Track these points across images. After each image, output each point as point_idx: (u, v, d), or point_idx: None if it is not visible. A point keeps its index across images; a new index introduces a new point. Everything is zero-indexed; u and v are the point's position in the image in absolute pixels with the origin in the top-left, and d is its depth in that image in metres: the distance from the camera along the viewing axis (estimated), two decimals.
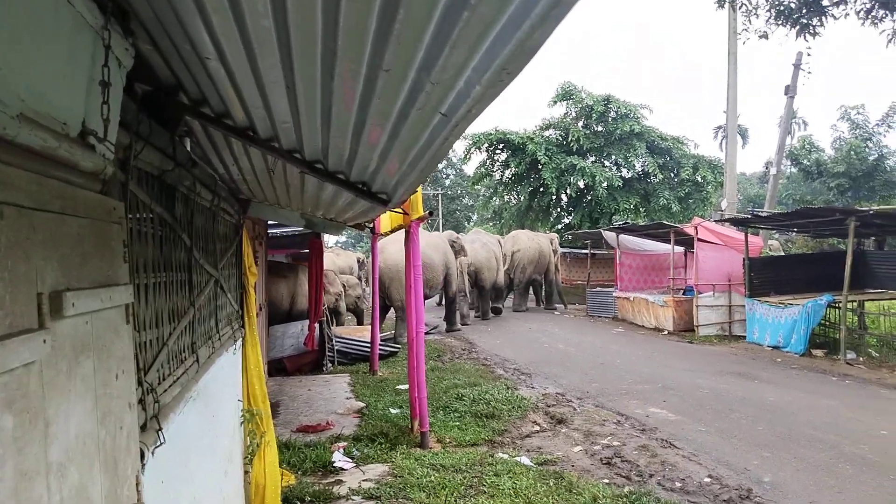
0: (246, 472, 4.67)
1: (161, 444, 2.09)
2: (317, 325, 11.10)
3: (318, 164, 2.56)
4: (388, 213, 8.51)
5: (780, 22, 11.85)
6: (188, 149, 3.12)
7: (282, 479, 5.37)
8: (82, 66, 1.50)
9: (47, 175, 1.27)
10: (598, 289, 21.54)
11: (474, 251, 18.71)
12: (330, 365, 11.37)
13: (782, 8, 11.62)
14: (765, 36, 12.38)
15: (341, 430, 7.32)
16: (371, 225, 10.07)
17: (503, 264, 19.78)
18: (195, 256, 3.15)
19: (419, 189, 6.92)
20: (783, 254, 22.04)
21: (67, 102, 1.43)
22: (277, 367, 11.04)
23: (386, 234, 10.17)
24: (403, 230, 7.71)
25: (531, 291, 22.61)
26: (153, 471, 2.05)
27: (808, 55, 12.17)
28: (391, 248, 14.58)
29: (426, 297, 16.02)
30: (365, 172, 2.49)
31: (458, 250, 17.11)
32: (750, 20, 12.53)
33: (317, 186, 3.15)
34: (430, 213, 7.53)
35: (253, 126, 2.38)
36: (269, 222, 11.73)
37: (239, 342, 4.80)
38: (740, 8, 12.79)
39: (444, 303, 18.09)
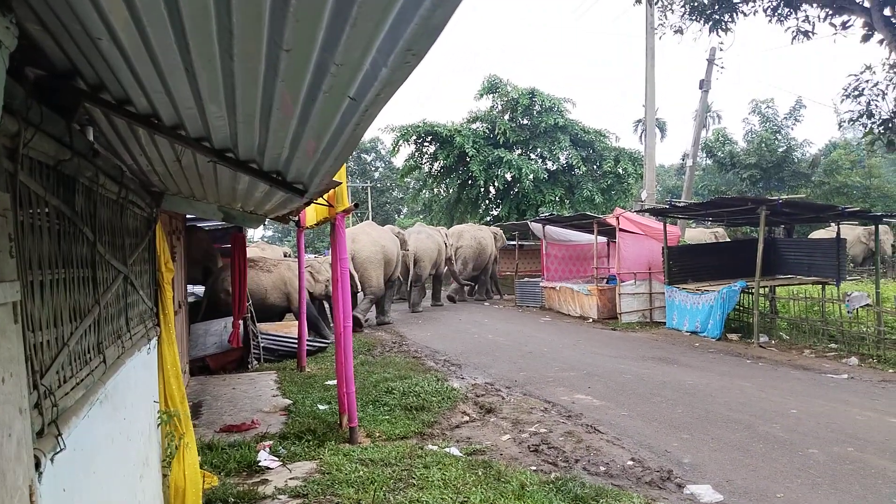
0: (164, 476, 4.49)
1: (61, 450, 1.96)
2: (241, 322, 10.80)
3: (228, 154, 2.46)
4: (313, 206, 8.36)
5: (693, 17, 12.32)
6: (91, 138, 2.95)
7: (204, 481, 5.19)
8: None
9: None
10: (526, 279, 21.87)
11: (419, 241, 19.30)
12: (256, 362, 11.10)
13: (696, 4, 12.08)
14: (679, 31, 12.85)
15: (267, 428, 7.15)
16: (296, 218, 9.88)
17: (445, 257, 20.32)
18: (99, 251, 2.98)
19: (344, 181, 6.84)
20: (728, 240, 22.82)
21: None
22: (200, 366, 10.68)
23: (311, 228, 9.98)
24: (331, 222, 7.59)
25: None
26: (53, 479, 1.92)
27: (721, 49, 12.72)
28: (363, 239, 16.05)
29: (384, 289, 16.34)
30: (278, 161, 2.40)
31: (402, 243, 17.74)
32: (666, 15, 12.99)
33: (230, 177, 3.04)
34: (357, 205, 7.43)
35: (157, 113, 2.26)
36: (188, 216, 11.36)
37: (154, 341, 4.61)
38: (656, 4, 13.22)
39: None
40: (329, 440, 6.68)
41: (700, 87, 23.05)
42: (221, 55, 1.48)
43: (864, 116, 10.42)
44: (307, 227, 10.37)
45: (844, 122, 11.19)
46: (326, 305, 14.05)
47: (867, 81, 10.40)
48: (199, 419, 7.57)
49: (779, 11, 12.35)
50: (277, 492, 5.38)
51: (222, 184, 3.45)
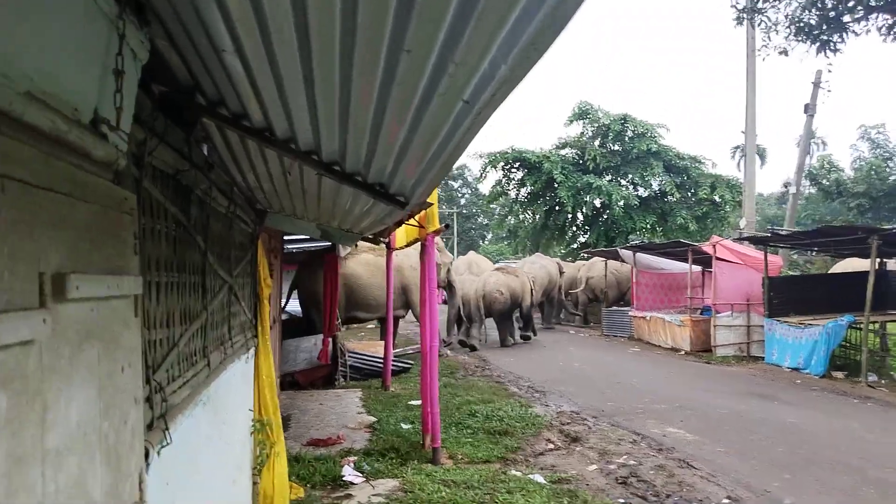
0: (254, 483, 4.62)
1: (168, 444, 2.05)
2: (330, 339, 11.06)
3: (335, 167, 2.53)
4: (403, 227, 8.51)
5: (800, 38, 11.79)
6: (205, 154, 3.12)
7: (290, 491, 5.31)
8: (96, 53, 1.49)
9: (57, 157, 1.25)
10: (614, 308, 21.32)
11: (534, 272, 20.03)
12: (342, 380, 11.31)
13: (802, 24, 11.57)
14: (784, 52, 12.32)
15: (352, 444, 7.25)
16: (387, 240, 10.08)
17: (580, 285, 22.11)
18: (209, 261, 3.13)
19: (435, 202, 6.93)
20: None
21: (79, 88, 1.41)
22: (290, 381, 10.99)
23: (401, 248, 10.14)
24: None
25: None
26: (158, 472, 2.00)
27: (829, 71, 12.05)
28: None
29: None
30: (383, 173, 2.46)
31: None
32: (769, 36, 12.50)
33: (333, 192, 3.13)
34: (447, 226, 7.49)
35: (270, 126, 2.37)
36: (285, 237, 11.81)
37: (252, 351, 4.78)
38: (759, 25, 12.75)
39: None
40: (412, 459, 6.69)
41: (805, 112, 21.96)
42: (341, 61, 1.53)
43: None
44: (397, 249, 10.57)
45: None
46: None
47: None
48: (287, 432, 7.75)
49: (895, 29, 11.65)
50: None
51: (324, 199, 3.56)
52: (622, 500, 5.70)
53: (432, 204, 6.67)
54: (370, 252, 13.61)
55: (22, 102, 1.12)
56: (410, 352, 14.32)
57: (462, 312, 16.65)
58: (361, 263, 13.17)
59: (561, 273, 22.00)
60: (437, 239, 17.02)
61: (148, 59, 1.87)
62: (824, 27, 11.82)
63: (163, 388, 2.13)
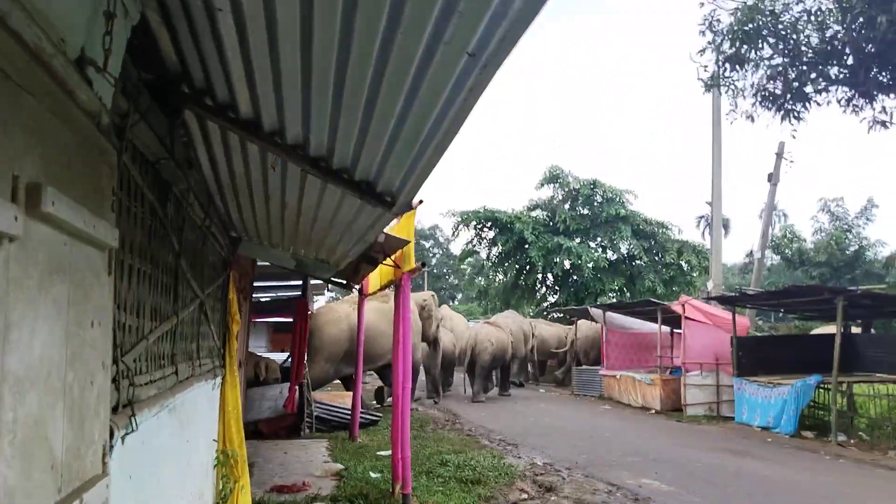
0: None
1: (133, 431, 1.91)
2: (297, 388, 10.75)
3: (321, 163, 2.48)
4: (377, 271, 8.42)
5: (765, 105, 12.30)
6: (189, 160, 3.05)
7: None
8: None
9: (42, 67, 1.18)
10: (584, 367, 21.21)
11: (510, 324, 19.86)
12: (308, 430, 10.93)
13: (767, 93, 12.09)
14: (751, 118, 12.81)
15: (318, 490, 6.93)
16: (359, 286, 9.96)
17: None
18: (182, 266, 3.03)
19: (412, 240, 6.88)
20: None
21: (69, 20, 1.36)
22: (253, 430, 10.57)
23: (374, 294, 10.02)
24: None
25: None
26: (121, 461, 1.86)
27: (794, 137, 12.55)
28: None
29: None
30: (372, 165, 2.41)
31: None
32: (736, 102, 13.00)
33: (316, 198, 3.06)
34: (423, 265, 7.42)
35: (258, 116, 2.32)
36: (255, 284, 11.62)
37: (219, 380, 4.59)
38: (727, 91, 13.29)
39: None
40: None
41: (768, 181, 22.70)
42: (341, 34, 1.49)
43: None
44: (370, 294, 10.44)
45: None
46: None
47: None
48: (250, 479, 7.39)
49: (854, 102, 12.22)
50: None
51: (305, 212, 3.50)
52: None
53: (409, 241, 6.62)
54: (378, 299, 13.59)
55: (8, 4, 1.07)
56: (376, 405, 13.99)
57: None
58: (373, 311, 12.65)
59: (532, 334, 21.92)
60: (433, 296, 17.22)
61: (137, 32, 1.83)
62: (788, 97, 12.36)
63: (131, 373, 2.00)
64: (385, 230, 6.76)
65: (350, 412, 11.08)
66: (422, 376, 16.11)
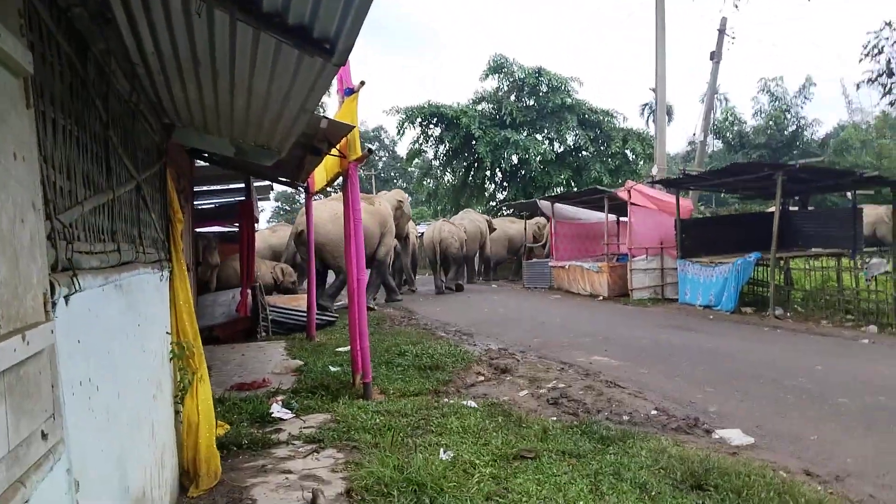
0: (177, 413, 4.32)
1: (76, 291, 1.78)
2: (249, 292, 10.64)
3: (250, 6, 2.27)
4: (322, 167, 8.16)
5: None
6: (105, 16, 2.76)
7: (216, 428, 5.03)
8: None
9: None
10: (534, 260, 21.66)
11: (466, 226, 20.85)
12: (264, 333, 10.92)
13: None
14: None
15: (279, 385, 6.98)
16: (305, 183, 9.70)
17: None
18: (112, 138, 2.81)
19: (356, 125, 6.64)
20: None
21: None
22: (208, 336, 10.50)
23: (320, 190, 9.80)
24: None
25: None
26: (69, 324, 1.74)
27: (736, 7, 12.30)
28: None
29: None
30: (305, 4, 2.20)
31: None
32: None
33: (248, 61, 2.83)
34: (371, 151, 7.21)
35: None
36: (196, 190, 11.21)
37: (166, 273, 4.43)
38: None
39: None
40: (342, 395, 6.50)
41: (711, 59, 22.67)
42: None
43: (884, 75, 10.17)
44: (317, 191, 10.21)
45: (862, 83, 10.95)
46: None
47: (887, 39, 10.15)
48: (209, 380, 7.39)
49: None
50: (292, 438, 5.23)
51: (238, 86, 3.26)
52: (555, 418, 5.73)
53: (353, 127, 6.39)
54: (366, 201, 14.44)
55: None
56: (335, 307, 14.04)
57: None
58: (364, 212, 12.49)
59: (491, 230, 22.29)
60: (404, 195, 17.45)
61: None
62: None
63: (68, 233, 1.85)
64: (327, 115, 6.53)
65: (306, 314, 11.07)
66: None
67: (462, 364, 7.96)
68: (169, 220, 4.82)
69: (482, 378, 7.50)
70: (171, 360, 4.27)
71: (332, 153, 6.96)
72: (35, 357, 1.28)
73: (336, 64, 2.59)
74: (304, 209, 14.05)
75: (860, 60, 10.57)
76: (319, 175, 8.77)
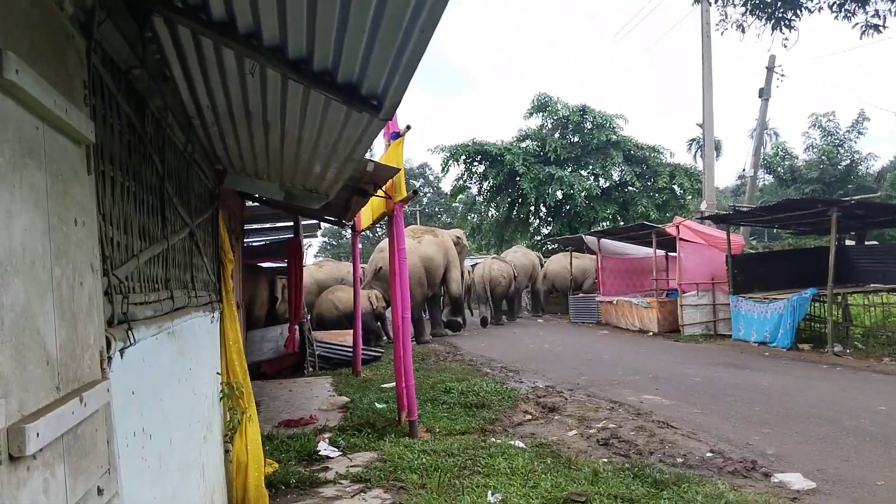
0: (227, 452, 4.38)
1: (131, 345, 1.85)
2: (297, 328, 10.78)
3: (301, 65, 2.35)
4: (368, 207, 8.31)
5: (755, 14, 11.96)
6: (164, 74, 2.90)
7: (264, 464, 5.07)
8: None
9: None
10: (581, 295, 21.39)
11: (517, 261, 21.60)
12: (311, 368, 11.03)
13: (757, 1, 11.75)
14: (741, 27, 12.47)
15: (325, 422, 7.02)
16: (352, 222, 9.87)
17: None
18: (168, 190, 2.92)
19: (402, 167, 6.75)
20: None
21: None
22: (256, 371, 10.67)
23: (367, 229, 9.94)
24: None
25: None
26: (124, 377, 1.80)
27: (785, 47, 12.23)
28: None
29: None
30: (354, 65, 2.27)
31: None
32: (726, 12, 12.64)
33: (299, 114, 2.93)
34: (416, 192, 7.31)
35: (232, 17, 2.18)
36: (246, 227, 11.48)
37: (217, 314, 4.54)
38: (716, 1, 12.92)
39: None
40: (388, 433, 6.50)
41: (760, 96, 22.38)
42: None
43: None
44: (363, 230, 10.37)
45: None
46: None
47: None
48: (258, 416, 7.47)
49: (846, 7, 11.89)
50: (339, 477, 5.23)
51: (288, 131, 3.36)
52: (605, 459, 5.60)
53: (399, 170, 6.50)
54: (429, 233, 16.93)
55: None
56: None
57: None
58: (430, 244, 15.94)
59: (541, 265, 22.61)
60: (461, 232, 18.64)
61: None
62: (778, 3, 12.01)
63: (124, 288, 1.92)
64: (374, 159, 6.67)
65: (352, 349, 11.16)
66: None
67: (509, 402, 7.87)
68: (220, 262, 4.96)
69: (529, 417, 7.40)
70: (220, 400, 4.35)
71: (377, 195, 7.09)
72: (91, 416, 1.33)
73: (383, 119, 2.66)
74: (380, 245, 16.82)
75: None
76: (366, 214, 8.92)
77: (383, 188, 7.00)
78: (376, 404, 7.80)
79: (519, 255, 22.21)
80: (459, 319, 17.90)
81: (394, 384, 7.88)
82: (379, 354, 12.39)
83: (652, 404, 7.70)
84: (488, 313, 20.41)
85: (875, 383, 8.63)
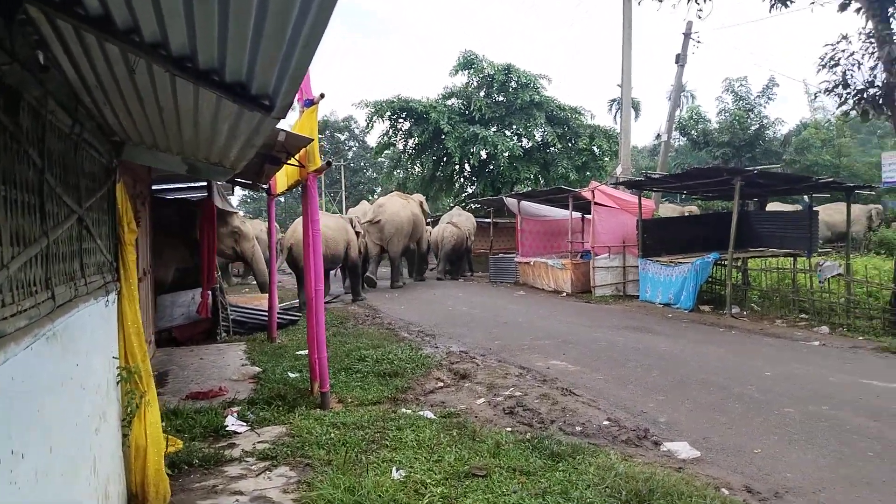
0: (125, 436, 4.29)
1: None
2: (210, 293, 10.53)
3: (187, 63, 2.25)
4: (283, 171, 8.10)
5: None
6: (37, 55, 2.71)
7: (167, 444, 5.00)
8: None
9: None
10: (500, 255, 21.80)
11: (461, 221, 22.59)
12: (224, 334, 10.84)
13: None
14: None
15: (235, 395, 6.95)
16: (266, 185, 9.61)
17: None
18: (48, 181, 2.76)
19: (315, 138, 6.60)
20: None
21: None
22: (167, 338, 10.41)
23: (282, 194, 9.73)
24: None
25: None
26: None
27: (699, 18, 12.64)
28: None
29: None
30: (241, 67, 2.20)
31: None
32: None
33: (191, 105, 2.81)
34: (329, 164, 7.19)
35: (108, 12, 2.05)
36: (154, 187, 11.00)
37: (113, 296, 4.38)
38: None
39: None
40: (300, 405, 6.51)
41: (676, 62, 22.99)
42: None
43: (840, 86, 10.43)
44: (278, 194, 10.13)
45: (820, 92, 11.22)
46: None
47: (843, 51, 10.40)
48: (164, 388, 7.33)
49: None
50: (245, 454, 5.22)
51: (184, 120, 3.23)
52: (509, 429, 5.82)
53: (311, 140, 6.36)
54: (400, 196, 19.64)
55: None
56: (297, 304, 13.98)
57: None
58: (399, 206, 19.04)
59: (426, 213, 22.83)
60: (422, 198, 19.38)
61: None
62: None
63: None
64: (287, 128, 6.48)
65: (268, 313, 11.02)
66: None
67: (422, 370, 8.02)
68: (118, 239, 4.76)
69: (441, 384, 7.56)
70: (117, 384, 4.24)
71: (290, 162, 6.92)
72: None
73: (276, 117, 2.59)
74: (380, 201, 20.38)
75: (818, 71, 10.84)
76: (281, 179, 8.70)
77: (296, 157, 6.85)
78: (289, 374, 7.78)
79: (464, 219, 22.93)
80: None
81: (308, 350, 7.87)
82: (297, 318, 12.29)
83: (558, 370, 8.03)
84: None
85: (765, 348, 9.27)
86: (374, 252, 18.72)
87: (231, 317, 11.17)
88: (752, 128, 31.45)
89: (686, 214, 24.34)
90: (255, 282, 17.83)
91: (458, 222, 22.24)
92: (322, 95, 6.69)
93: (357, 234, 16.60)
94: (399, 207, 19.17)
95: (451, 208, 26.42)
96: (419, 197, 21.60)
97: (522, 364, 8.38)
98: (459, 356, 9.01)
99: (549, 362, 8.48)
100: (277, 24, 1.79)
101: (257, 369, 8.13)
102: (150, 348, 8.66)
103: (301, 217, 15.51)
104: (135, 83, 2.84)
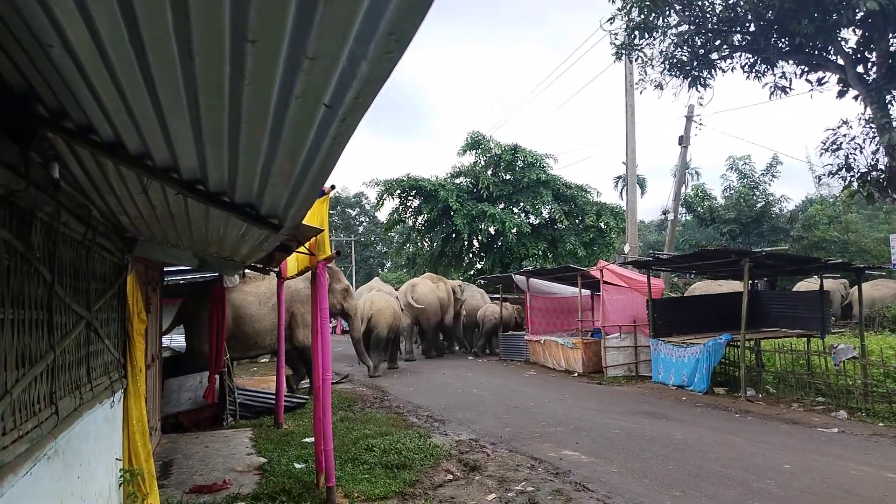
0: None
1: None
2: (217, 376, 10.43)
3: (198, 186, 2.30)
4: (294, 255, 8.17)
5: (673, 73, 12.59)
6: (56, 175, 2.79)
7: None
8: None
9: None
10: (510, 333, 21.62)
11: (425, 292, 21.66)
12: (231, 419, 10.66)
13: (675, 60, 12.36)
14: (660, 86, 13.10)
15: (239, 488, 6.77)
16: (277, 269, 9.67)
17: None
18: (58, 293, 2.78)
19: (326, 228, 6.68)
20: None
21: None
22: (173, 423, 10.24)
23: (292, 277, 9.77)
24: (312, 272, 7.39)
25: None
26: None
27: (700, 104, 13.07)
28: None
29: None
30: (250, 192, 2.25)
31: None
32: (646, 71, 13.26)
33: (202, 216, 2.87)
34: (338, 253, 7.24)
35: (121, 140, 2.11)
36: (165, 269, 11.10)
37: (119, 394, 4.34)
38: (636, 60, 13.51)
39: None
40: (304, 501, 6.33)
41: (679, 144, 23.44)
42: (181, 53, 1.34)
43: (843, 170, 10.55)
44: (287, 278, 10.17)
45: (824, 175, 11.34)
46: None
47: (844, 136, 10.58)
48: (168, 479, 7.16)
49: (756, 68, 12.65)
50: None
51: (195, 225, 3.28)
52: None
53: (322, 230, 6.42)
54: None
55: None
56: (305, 386, 13.79)
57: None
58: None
59: (458, 297, 21.75)
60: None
61: None
62: (695, 63, 12.67)
63: None
64: None
65: (275, 397, 10.86)
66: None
67: (431, 461, 7.80)
68: (127, 334, 4.76)
69: (451, 477, 7.34)
70: (120, 487, 4.15)
71: (300, 251, 6.98)
72: None
73: (286, 234, 2.62)
74: (412, 281, 21.57)
75: (820, 154, 11.01)
76: (291, 264, 8.76)
77: (307, 245, 6.91)
78: (295, 465, 7.60)
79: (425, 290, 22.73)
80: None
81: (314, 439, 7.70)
82: (304, 401, 12.10)
83: (571, 461, 7.79)
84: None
85: (783, 436, 9.00)
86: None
87: (238, 400, 11.02)
88: (759, 205, 31.73)
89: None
90: (262, 360, 17.79)
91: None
92: (332, 187, 6.80)
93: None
94: (428, 290, 20.63)
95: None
96: (455, 283, 22.41)
97: (534, 454, 8.15)
98: (469, 445, 8.79)
99: (561, 452, 8.24)
100: (285, 166, 1.84)
101: (263, 460, 7.94)
102: (156, 435, 8.52)
103: (370, 287, 16.29)
104: (148, 196, 2.91)
